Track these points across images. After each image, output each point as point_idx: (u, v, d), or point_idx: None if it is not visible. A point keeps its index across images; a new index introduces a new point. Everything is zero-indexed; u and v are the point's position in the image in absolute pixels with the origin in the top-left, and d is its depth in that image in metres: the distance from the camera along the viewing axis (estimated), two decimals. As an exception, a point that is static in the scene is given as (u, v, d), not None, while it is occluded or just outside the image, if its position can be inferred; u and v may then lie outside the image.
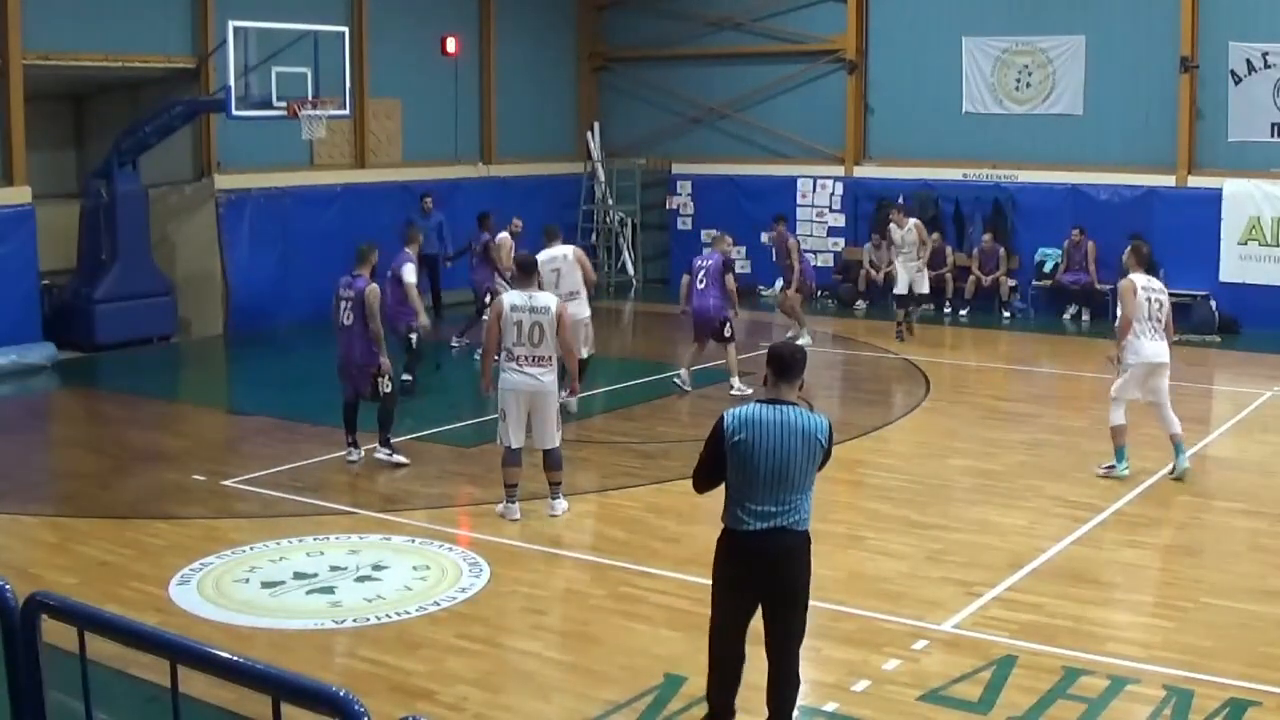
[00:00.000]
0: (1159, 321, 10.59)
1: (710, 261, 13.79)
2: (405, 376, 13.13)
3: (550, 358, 9.43)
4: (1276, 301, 17.82)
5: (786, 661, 5.73)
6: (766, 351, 5.94)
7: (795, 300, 17.18)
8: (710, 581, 5.88)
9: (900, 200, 19.45)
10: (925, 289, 17.83)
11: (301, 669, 4.72)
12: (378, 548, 9.02)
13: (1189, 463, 10.70)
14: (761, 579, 5.63)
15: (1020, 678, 6.79)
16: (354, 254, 11.24)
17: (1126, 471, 10.63)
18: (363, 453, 11.21)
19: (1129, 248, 11.35)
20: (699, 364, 14.25)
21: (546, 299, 9.55)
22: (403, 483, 10.69)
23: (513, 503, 9.59)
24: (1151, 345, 10.53)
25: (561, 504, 9.76)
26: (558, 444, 9.67)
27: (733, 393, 13.42)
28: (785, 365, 5.76)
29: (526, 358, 9.36)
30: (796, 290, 17.05)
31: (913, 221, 17.56)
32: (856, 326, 19.12)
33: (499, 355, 9.55)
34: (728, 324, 13.77)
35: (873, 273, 20.55)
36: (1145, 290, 10.59)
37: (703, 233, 20.74)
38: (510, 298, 9.56)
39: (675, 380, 14.03)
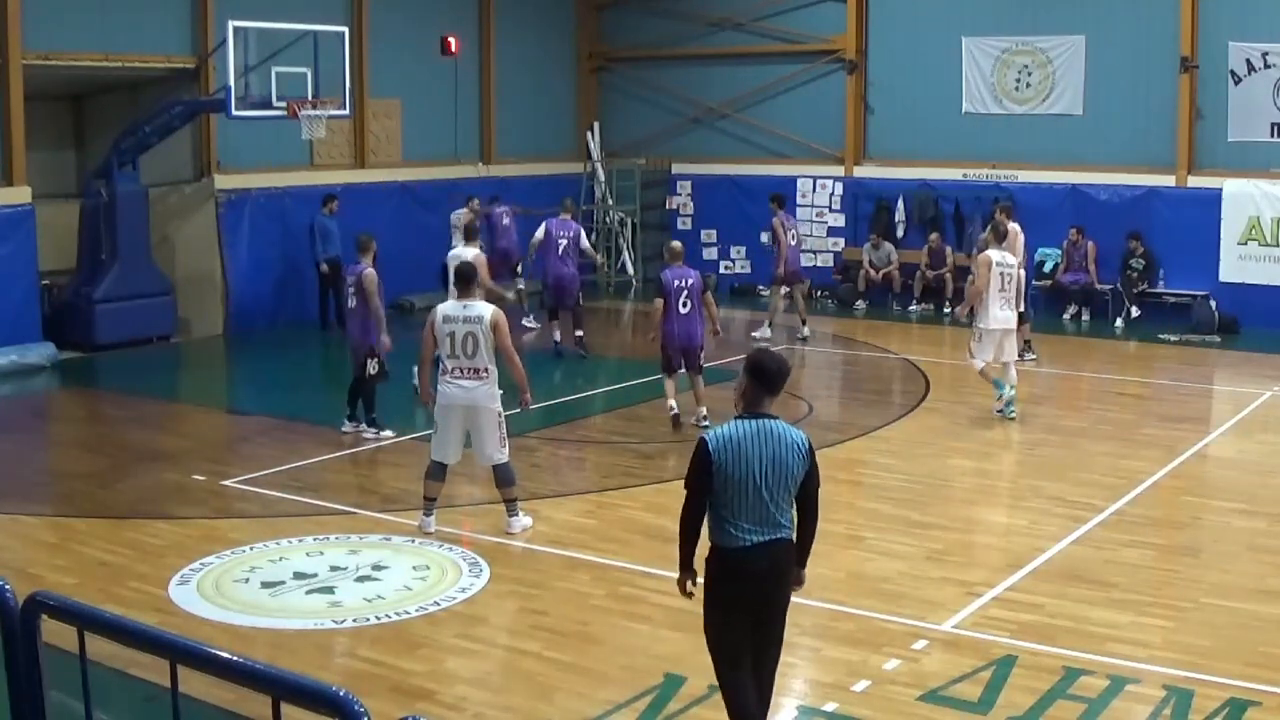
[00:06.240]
0: (1010, 293, 12.55)
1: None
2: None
3: (486, 370, 9.01)
4: (1276, 301, 17.81)
5: (770, 672, 5.67)
6: (747, 360, 5.61)
7: (777, 291, 17.54)
8: (703, 611, 5.64)
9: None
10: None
11: (301, 669, 4.73)
12: (378, 548, 9.02)
13: (1013, 392, 12.59)
14: (761, 591, 5.51)
15: (1020, 678, 6.80)
16: (355, 245, 12.24)
17: (1013, 391, 12.57)
18: (354, 427, 12.15)
19: (990, 226, 13.44)
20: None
21: (481, 308, 9.05)
22: (403, 483, 10.67)
23: (429, 515, 9.27)
24: (1002, 313, 12.48)
25: (519, 521, 9.29)
26: (505, 459, 9.17)
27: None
28: (770, 378, 5.50)
29: (459, 370, 9.00)
30: (784, 280, 17.33)
31: (1013, 227, 14.16)
32: (856, 326, 19.11)
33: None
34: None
35: (872, 273, 20.57)
36: (1000, 266, 12.51)
37: (703, 234, 20.71)
38: (444, 308, 9.17)
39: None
